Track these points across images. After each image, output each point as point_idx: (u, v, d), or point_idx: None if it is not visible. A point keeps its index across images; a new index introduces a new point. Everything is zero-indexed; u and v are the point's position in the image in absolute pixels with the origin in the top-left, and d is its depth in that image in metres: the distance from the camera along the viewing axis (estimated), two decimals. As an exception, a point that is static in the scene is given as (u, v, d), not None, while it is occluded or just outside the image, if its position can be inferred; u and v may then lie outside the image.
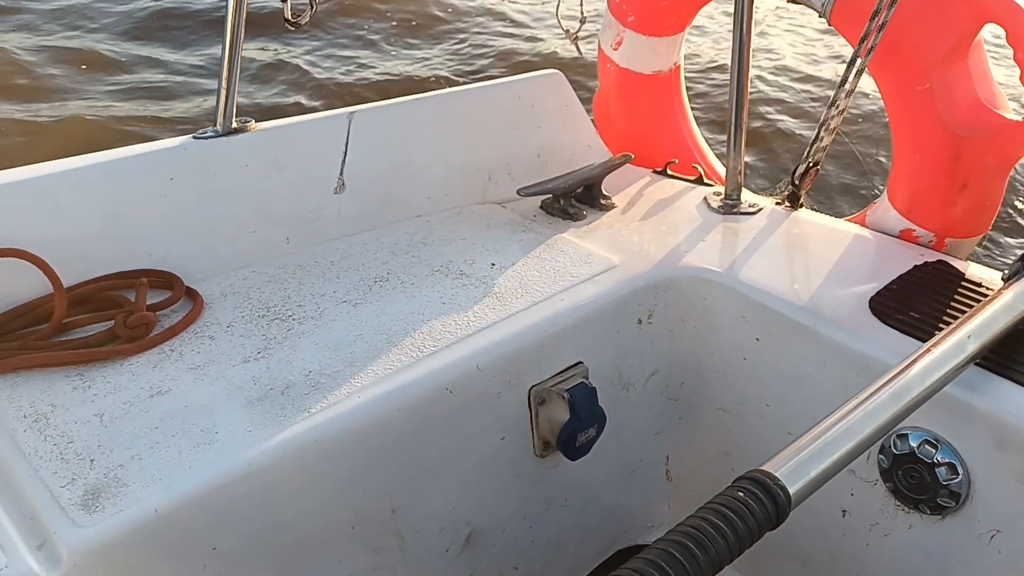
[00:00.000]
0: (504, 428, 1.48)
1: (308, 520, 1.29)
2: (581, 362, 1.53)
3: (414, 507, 1.41)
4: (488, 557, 1.54)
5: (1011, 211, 4.48)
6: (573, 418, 1.46)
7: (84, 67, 5.87)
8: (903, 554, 1.42)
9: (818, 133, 1.81)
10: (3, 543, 1.07)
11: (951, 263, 1.59)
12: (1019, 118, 1.65)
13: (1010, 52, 1.60)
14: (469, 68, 6.26)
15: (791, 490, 0.88)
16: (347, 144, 1.80)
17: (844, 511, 1.50)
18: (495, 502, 1.52)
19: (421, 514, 1.42)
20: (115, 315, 1.47)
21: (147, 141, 1.71)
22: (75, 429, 1.25)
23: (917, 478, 1.35)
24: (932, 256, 1.62)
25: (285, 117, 1.82)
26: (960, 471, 1.30)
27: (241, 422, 1.26)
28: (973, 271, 1.56)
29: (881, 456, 1.40)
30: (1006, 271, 1.37)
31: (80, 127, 5.06)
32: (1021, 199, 4.67)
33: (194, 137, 1.71)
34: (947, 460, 1.31)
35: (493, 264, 1.66)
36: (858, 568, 1.51)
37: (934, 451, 1.32)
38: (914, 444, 1.34)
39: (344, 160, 1.80)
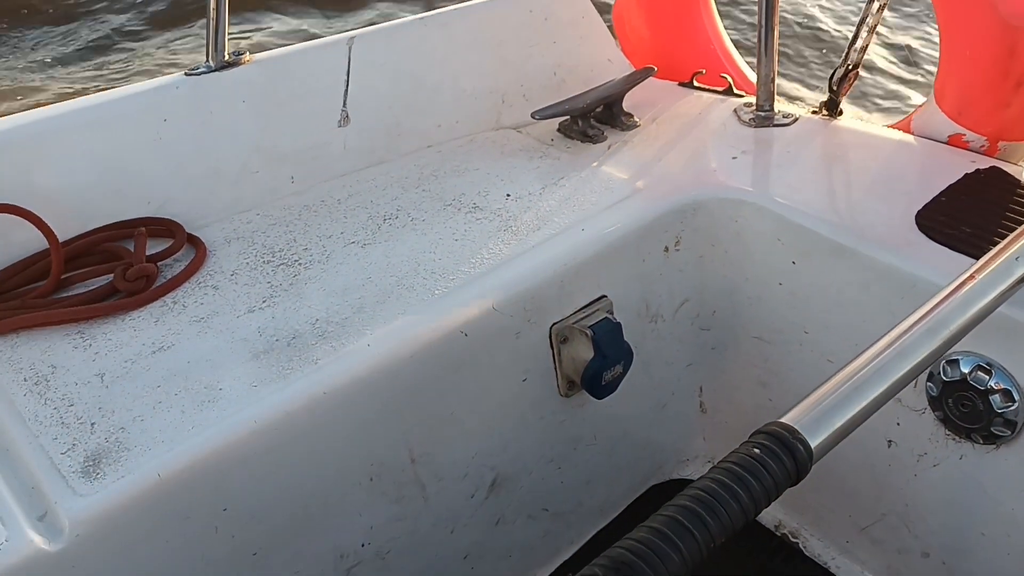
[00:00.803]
0: (525, 369, 1.41)
1: (323, 475, 1.24)
2: (605, 296, 1.44)
3: (434, 455, 1.35)
4: (515, 500, 1.49)
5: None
6: (597, 356, 1.38)
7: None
8: (954, 486, 1.34)
9: (857, 32, 1.65)
10: (2, 515, 1.03)
11: (1005, 169, 1.46)
12: (1082, 4, 1.48)
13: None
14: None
15: (813, 444, 0.80)
16: (349, 72, 1.69)
17: (890, 441, 1.41)
18: (519, 445, 1.46)
19: (442, 462, 1.36)
20: (114, 268, 1.40)
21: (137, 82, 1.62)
22: (75, 391, 1.20)
23: (969, 406, 1.25)
24: (984, 163, 1.49)
25: (280, 47, 1.71)
26: (1016, 398, 1.20)
27: (246, 377, 1.20)
28: None
29: (930, 384, 1.30)
30: None
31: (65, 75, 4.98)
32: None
33: (186, 74, 1.62)
34: (1002, 386, 1.21)
35: (508, 195, 1.56)
36: (906, 500, 1.43)
37: (987, 377, 1.22)
38: (966, 370, 1.24)
39: (347, 90, 1.70)
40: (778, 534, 1.68)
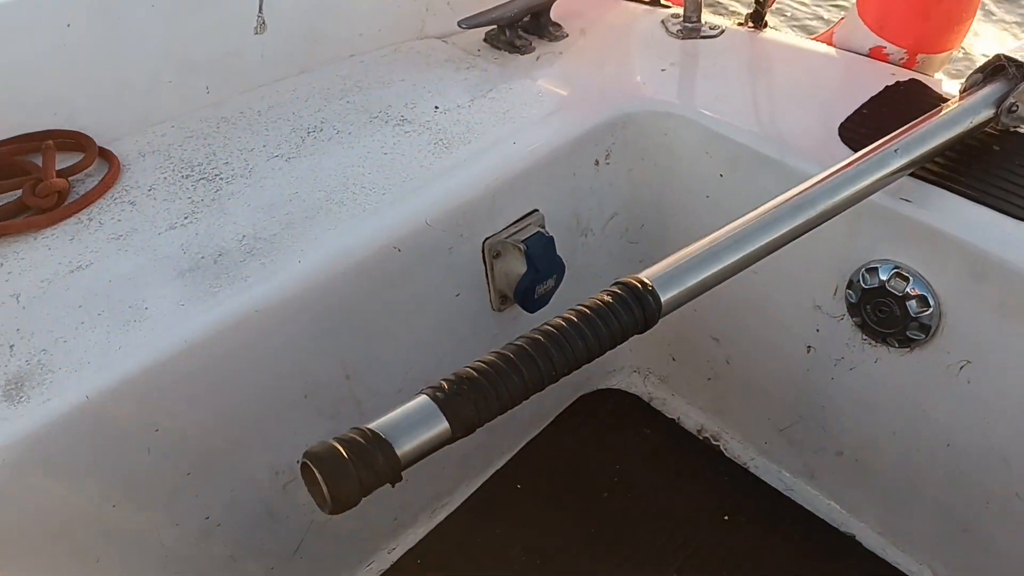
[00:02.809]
0: (458, 284, 1.40)
1: (257, 393, 1.22)
2: (536, 210, 1.44)
3: (369, 371, 1.34)
4: (450, 413, 1.50)
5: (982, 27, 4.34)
6: (531, 270, 1.39)
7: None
8: (869, 386, 1.41)
9: (785, -57, 1.65)
10: None
11: (923, 81, 1.49)
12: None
13: None
14: None
15: (663, 298, 0.89)
16: None
17: (809, 347, 1.47)
18: (453, 360, 1.46)
19: (377, 377, 1.36)
20: (22, 183, 1.32)
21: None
22: None
23: (886, 312, 1.31)
24: (904, 75, 1.52)
25: (191, -53, 1.61)
26: (932, 303, 1.26)
27: (173, 295, 1.16)
28: (946, 88, 1.46)
29: (849, 291, 1.35)
30: (962, 82, 1.29)
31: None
32: (992, 9, 4.52)
33: None
34: (918, 292, 1.26)
35: (436, 107, 1.52)
36: (823, 403, 1.50)
37: (905, 284, 1.27)
38: (884, 277, 1.29)
39: None
40: (700, 437, 1.75)
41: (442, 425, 0.77)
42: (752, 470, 1.68)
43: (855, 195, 1.09)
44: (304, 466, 0.74)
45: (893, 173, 1.13)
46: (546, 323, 0.84)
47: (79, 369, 1.06)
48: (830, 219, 1.06)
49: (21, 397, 1.03)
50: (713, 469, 1.69)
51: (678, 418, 1.79)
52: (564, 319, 0.84)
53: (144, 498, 1.15)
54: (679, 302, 0.92)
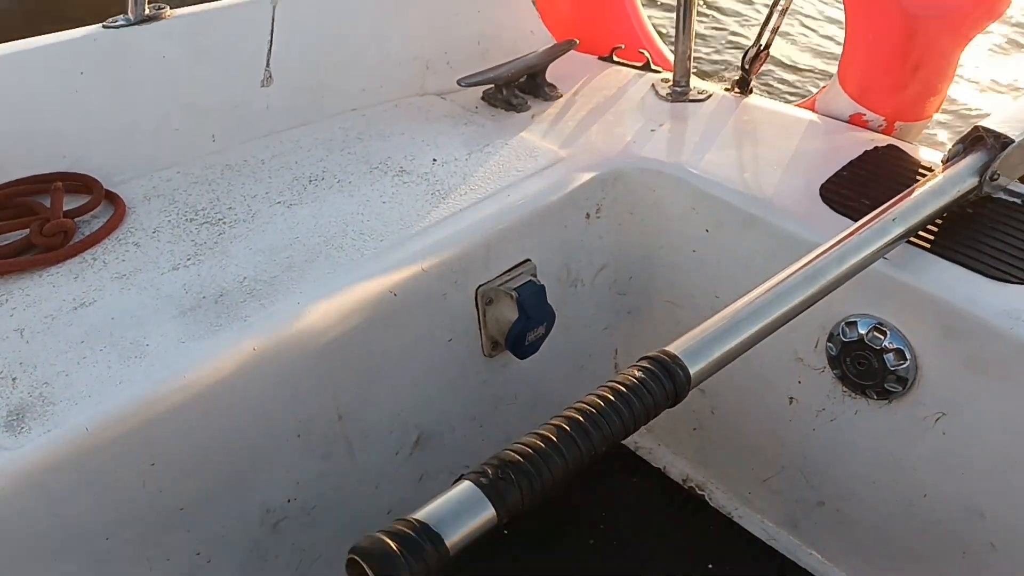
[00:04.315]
0: (451, 329, 1.44)
1: (251, 430, 1.24)
2: (529, 259, 1.49)
3: (361, 412, 1.37)
4: (438, 458, 1.53)
5: (958, 93, 4.48)
6: (522, 317, 1.43)
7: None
8: (849, 438, 1.45)
9: (770, 14, 1.74)
10: None
11: (901, 147, 1.56)
12: (973, -5, 1.60)
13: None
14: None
15: (692, 370, 0.91)
16: (272, 30, 1.67)
17: (791, 398, 1.51)
18: (444, 404, 1.49)
19: (369, 419, 1.39)
20: (30, 223, 1.37)
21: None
22: None
23: (865, 364, 1.35)
24: (882, 141, 1.59)
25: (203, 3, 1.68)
26: (908, 356, 1.30)
27: (173, 332, 1.20)
28: (923, 155, 1.53)
29: (830, 344, 1.40)
30: (944, 154, 1.36)
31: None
32: (966, 80, 4.67)
33: (104, 26, 1.57)
34: (895, 346, 1.31)
35: (435, 160, 1.58)
36: (804, 453, 1.53)
37: (883, 338, 1.32)
38: (863, 331, 1.34)
39: (270, 48, 1.68)
40: (686, 487, 1.77)
41: (488, 512, 0.75)
42: (736, 519, 1.70)
43: (862, 262, 1.12)
44: (351, 563, 0.70)
45: (894, 240, 1.17)
46: (581, 401, 0.83)
47: (79, 402, 1.09)
48: (838, 287, 1.09)
49: (22, 428, 1.06)
50: (698, 518, 1.71)
51: (664, 467, 1.81)
52: (599, 396, 0.84)
53: (137, 532, 1.17)
54: (707, 373, 0.93)
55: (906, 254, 1.29)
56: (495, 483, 0.75)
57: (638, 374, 0.87)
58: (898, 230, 1.18)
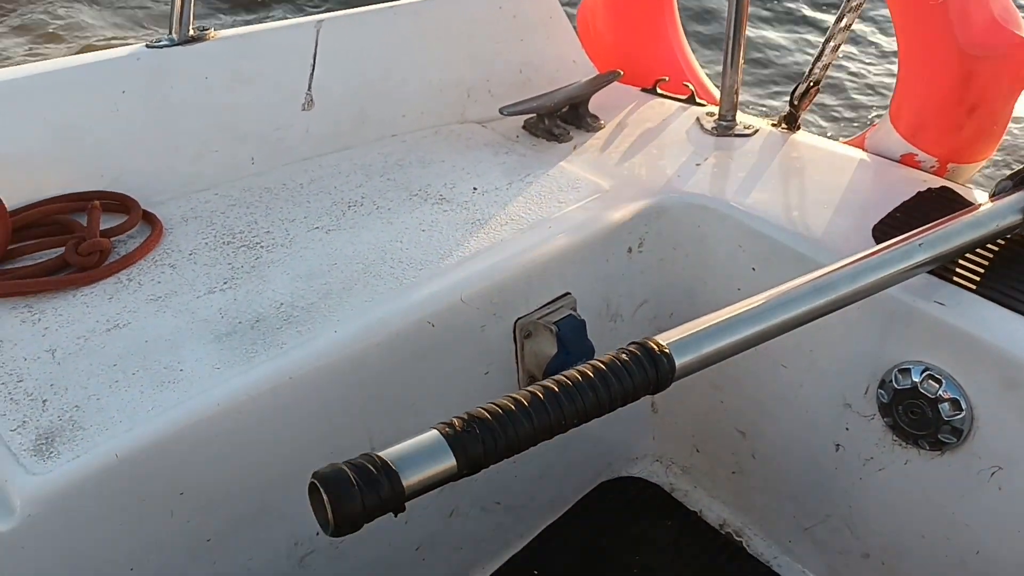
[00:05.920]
0: (488, 362, 1.40)
1: (282, 461, 1.21)
2: (569, 293, 1.45)
3: (394, 443, 1.33)
4: (470, 493, 1.49)
5: (1012, 135, 4.39)
6: (561, 352, 1.39)
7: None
8: (898, 489, 1.39)
9: (822, 50, 1.70)
10: None
11: (955, 189, 1.51)
12: (1033, 36, 1.56)
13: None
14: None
15: (678, 361, 0.90)
16: (315, 56, 1.67)
17: (838, 445, 1.45)
18: None
19: None
20: (65, 241, 1.36)
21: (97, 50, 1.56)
22: (25, 366, 1.16)
23: (918, 413, 1.30)
24: (935, 182, 1.54)
25: (247, 26, 1.67)
26: (964, 406, 1.25)
27: (208, 358, 1.17)
28: (978, 198, 1.48)
29: (881, 391, 1.35)
30: (992, 188, 1.32)
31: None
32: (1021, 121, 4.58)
33: (147, 46, 1.57)
34: (951, 395, 1.26)
35: (475, 188, 1.56)
36: (850, 503, 1.47)
37: (938, 386, 1.27)
38: (916, 379, 1.29)
39: (312, 74, 1.67)
40: (723, 533, 1.72)
41: (449, 461, 0.78)
42: (775, 568, 1.64)
43: (875, 284, 1.10)
44: (312, 487, 0.74)
45: (915, 267, 1.15)
46: (562, 373, 0.86)
47: (110, 427, 1.07)
48: (849, 304, 1.08)
49: (51, 452, 1.03)
50: (734, 565, 1.65)
51: (700, 511, 1.76)
52: (579, 371, 0.86)
53: (163, 562, 1.13)
54: (693, 368, 0.93)
55: (961, 299, 1.24)
56: (460, 435, 0.79)
57: (623, 357, 0.88)
58: (922, 256, 1.15)
